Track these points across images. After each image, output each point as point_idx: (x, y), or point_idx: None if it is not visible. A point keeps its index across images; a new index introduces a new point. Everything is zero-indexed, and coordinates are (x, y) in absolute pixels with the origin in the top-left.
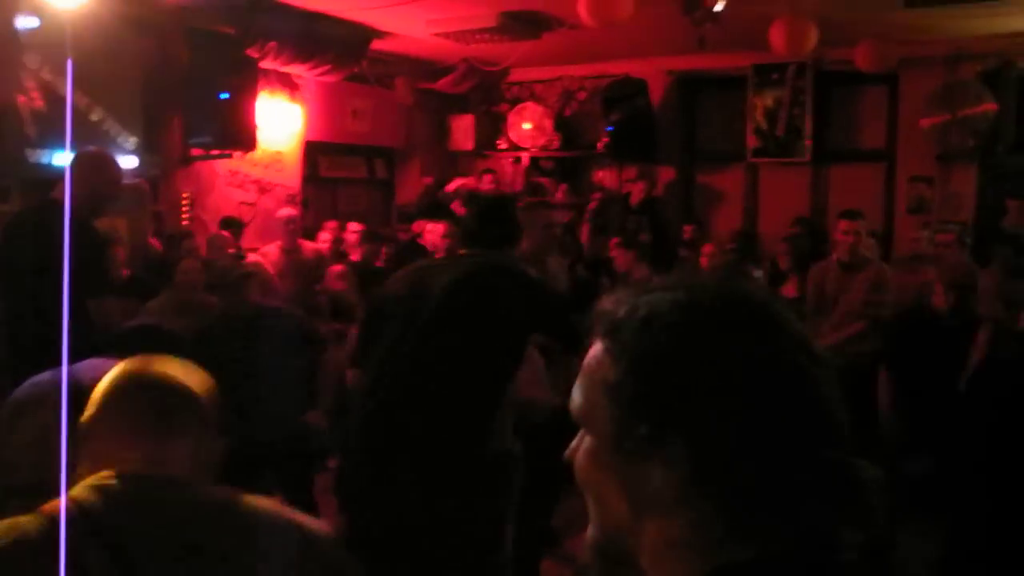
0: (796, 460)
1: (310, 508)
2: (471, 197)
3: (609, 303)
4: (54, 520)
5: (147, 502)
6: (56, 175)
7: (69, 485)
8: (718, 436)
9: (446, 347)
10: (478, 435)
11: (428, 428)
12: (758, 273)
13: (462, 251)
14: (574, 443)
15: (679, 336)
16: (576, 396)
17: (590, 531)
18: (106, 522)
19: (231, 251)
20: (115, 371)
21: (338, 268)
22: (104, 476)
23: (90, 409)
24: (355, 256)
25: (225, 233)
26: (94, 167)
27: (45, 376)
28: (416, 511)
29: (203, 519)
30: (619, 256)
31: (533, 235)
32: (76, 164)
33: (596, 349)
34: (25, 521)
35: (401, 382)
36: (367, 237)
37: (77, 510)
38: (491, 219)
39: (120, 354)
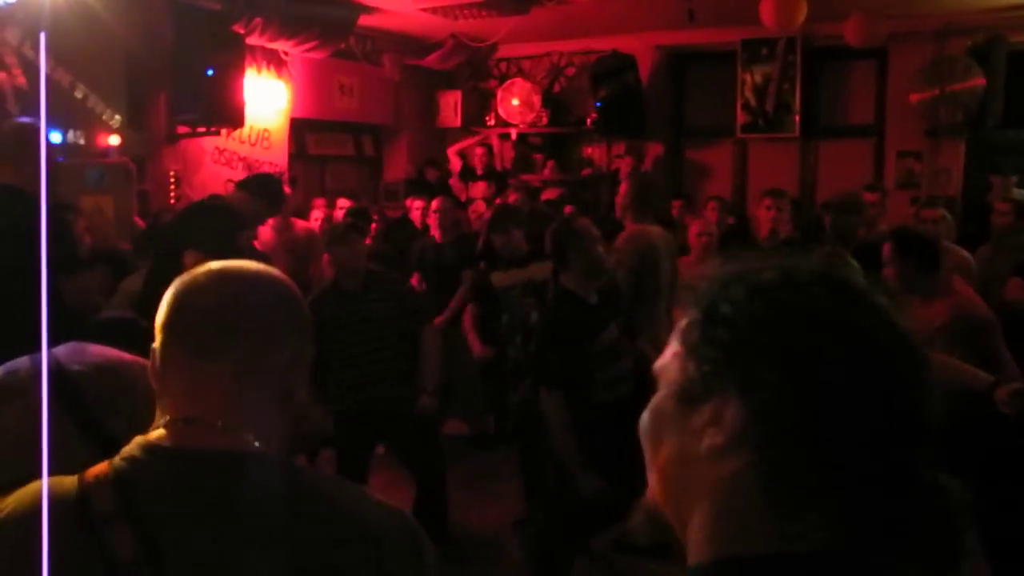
0: (855, 447)
1: None
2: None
3: (702, 281)
4: (88, 488)
5: (197, 486)
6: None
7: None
8: (776, 394)
9: None
10: None
11: None
12: None
13: None
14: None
15: (771, 302)
16: (664, 355)
17: (646, 493)
18: (142, 506)
19: None
20: (180, 279)
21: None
22: (154, 437)
23: (157, 335)
24: None
25: None
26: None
27: (24, 362)
28: None
29: (281, 515)
30: None
31: None
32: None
33: (688, 316)
34: (67, 482)
35: None
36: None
37: (112, 480)
38: None
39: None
